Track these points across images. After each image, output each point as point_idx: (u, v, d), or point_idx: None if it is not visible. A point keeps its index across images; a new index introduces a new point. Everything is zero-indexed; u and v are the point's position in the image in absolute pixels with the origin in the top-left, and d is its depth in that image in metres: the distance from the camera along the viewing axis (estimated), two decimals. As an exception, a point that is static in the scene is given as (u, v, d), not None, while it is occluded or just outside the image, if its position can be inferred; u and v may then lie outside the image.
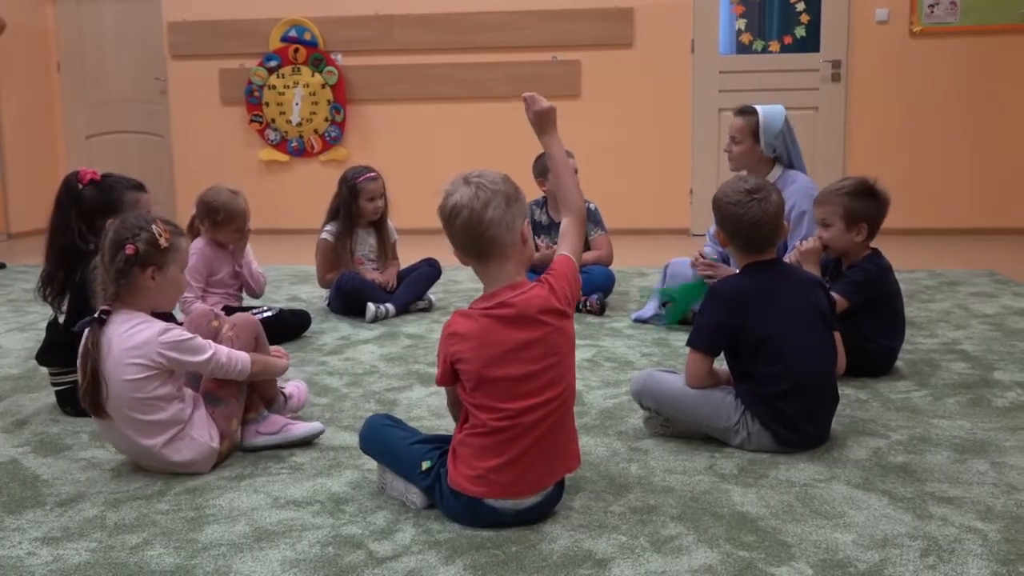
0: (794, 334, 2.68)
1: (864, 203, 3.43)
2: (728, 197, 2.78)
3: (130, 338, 2.51)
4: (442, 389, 2.44)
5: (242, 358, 2.67)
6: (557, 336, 2.23)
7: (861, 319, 3.37)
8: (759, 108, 4.19)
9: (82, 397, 2.54)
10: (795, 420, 2.66)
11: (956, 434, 2.83)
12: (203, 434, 2.61)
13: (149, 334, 2.52)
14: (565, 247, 2.38)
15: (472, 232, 2.19)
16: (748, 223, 2.73)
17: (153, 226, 2.58)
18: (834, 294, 3.36)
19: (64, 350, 2.99)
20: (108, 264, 2.55)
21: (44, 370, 3.72)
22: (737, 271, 2.98)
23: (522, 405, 2.19)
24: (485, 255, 2.22)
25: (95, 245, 3.07)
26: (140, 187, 3.23)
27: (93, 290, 2.63)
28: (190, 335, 2.59)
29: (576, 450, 2.34)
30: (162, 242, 2.57)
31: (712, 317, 2.74)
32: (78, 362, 2.55)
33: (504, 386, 2.19)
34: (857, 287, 3.39)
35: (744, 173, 4.14)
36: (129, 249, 2.52)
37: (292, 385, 3.08)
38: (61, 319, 3.14)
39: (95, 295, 2.61)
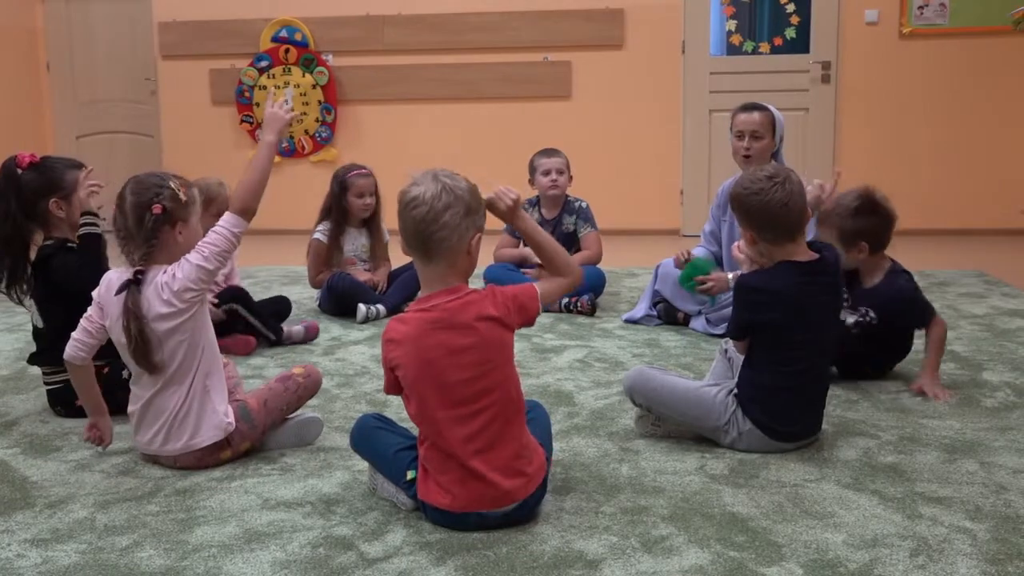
0: (809, 342, 2.67)
1: (862, 220, 3.32)
2: (750, 187, 2.69)
3: (162, 292, 2.57)
4: None
5: (228, 220, 2.63)
6: (491, 344, 2.20)
7: (876, 344, 3.34)
8: (767, 105, 4.16)
9: (134, 357, 2.57)
10: (787, 412, 2.67)
11: (945, 434, 2.84)
12: (224, 411, 2.64)
13: (167, 286, 2.57)
14: (539, 283, 2.36)
15: (423, 230, 2.17)
16: (777, 207, 2.64)
17: (170, 182, 2.63)
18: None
19: (54, 351, 2.99)
20: (135, 227, 2.59)
21: (34, 371, 3.71)
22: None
23: (457, 413, 2.19)
24: (429, 255, 2.20)
25: (40, 228, 3.11)
26: (80, 165, 3.24)
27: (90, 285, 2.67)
28: (185, 260, 2.58)
29: (540, 460, 2.31)
30: (182, 196, 2.63)
31: (737, 310, 2.75)
32: (121, 325, 2.57)
33: (438, 393, 2.19)
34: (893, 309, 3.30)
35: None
36: (157, 208, 2.58)
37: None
38: (35, 319, 3.17)
39: (122, 256, 2.66)
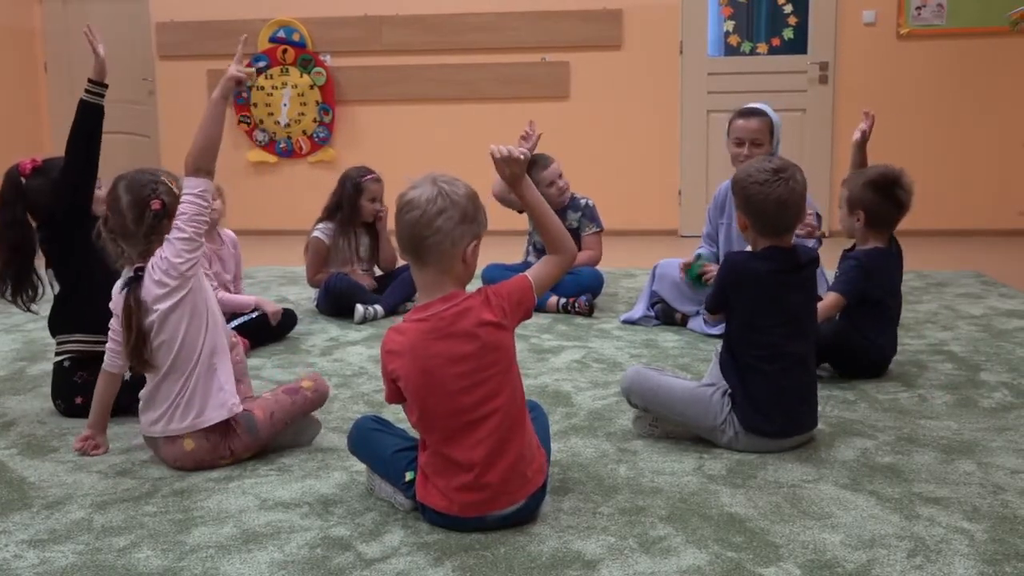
0: (779, 327, 2.68)
1: (869, 193, 3.41)
2: (752, 177, 2.69)
3: (154, 273, 2.61)
4: None
5: (188, 184, 2.62)
6: (491, 349, 2.19)
7: (857, 317, 3.39)
8: (764, 107, 4.13)
9: (129, 354, 2.62)
10: (763, 404, 2.66)
11: (943, 435, 2.85)
12: (230, 389, 2.66)
13: (157, 267, 2.60)
14: (531, 271, 2.34)
15: (416, 233, 2.15)
16: (774, 204, 2.66)
17: (162, 176, 2.69)
18: (833, 293, 3.36)
19: (66, 312, 3.11)
20: (134, 225, 2.62)
21: (31, 372, 3.71)
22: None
23: (460, 421, 2.18)
24: (422, 260, 2.19)
25: (61, 216, 3.11)
26: None
27: (104, 255, 2.72)
28: (167, 250, 2.61)
29: (540, 462, 2.30)
30: (175, 190, 2.67)
31: (719, 285, 2.78)
32: (121, 322, 2.62)
33: (440, 401, 2.18)
34: (847, 280, 3.38)
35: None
36: (156, 204, 2.62)
37: None
38: (54, 288, 3.19)
39: (114, 258, 2.68)
